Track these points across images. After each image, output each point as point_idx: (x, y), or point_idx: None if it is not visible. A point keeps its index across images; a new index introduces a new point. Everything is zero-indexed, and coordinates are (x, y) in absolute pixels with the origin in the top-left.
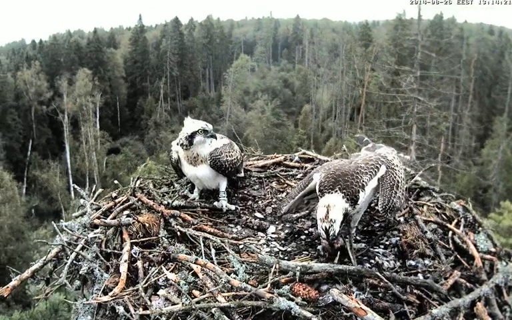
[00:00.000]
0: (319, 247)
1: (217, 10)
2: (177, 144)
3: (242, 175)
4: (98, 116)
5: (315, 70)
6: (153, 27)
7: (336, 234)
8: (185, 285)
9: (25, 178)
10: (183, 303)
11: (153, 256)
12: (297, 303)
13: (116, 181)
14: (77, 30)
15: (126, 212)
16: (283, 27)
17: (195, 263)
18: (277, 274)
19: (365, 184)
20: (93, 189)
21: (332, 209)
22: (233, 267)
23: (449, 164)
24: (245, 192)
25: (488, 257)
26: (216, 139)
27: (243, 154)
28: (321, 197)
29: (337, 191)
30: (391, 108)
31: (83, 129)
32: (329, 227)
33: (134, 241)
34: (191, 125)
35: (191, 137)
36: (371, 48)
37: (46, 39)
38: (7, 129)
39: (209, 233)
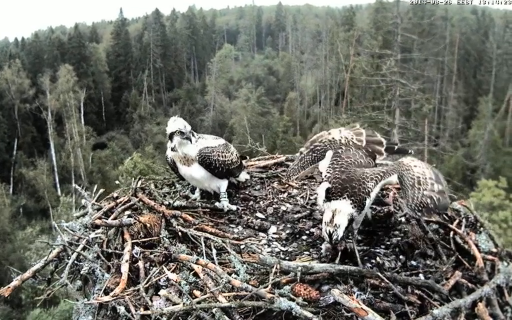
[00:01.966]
0: (322, 247)
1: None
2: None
3: (243, 179)
4: (82, 111)
5: (298, 56)
6: (135, 20)
7: (339, 238)
8: (186, 285)
9: (11, 177)
10: (183, 303)
11: (154, 256)
12: (297, 303)
13: (117, 181)
14: (59, 26)
15: (127, 212)
16: (266, 15)
17: (196, 263)
18: (278, 274)
19: (370, 190)
20: (94, 189)
21: (338, 213)
22: (234, 267)
23: (436, 146)
24: (246, 192)
25: (489, 257)
26: (191, 141)
27: (246, 160)
28: (328, 202)
29: (345, 198)
30: (377, 92)
31: (67, 126)
32: (333, 231)
33: (135, 241)
34: (170, 125)
35: (170, 138)
36: (351, 32)
37: (28, 37)
38: None
39: (210, 233)
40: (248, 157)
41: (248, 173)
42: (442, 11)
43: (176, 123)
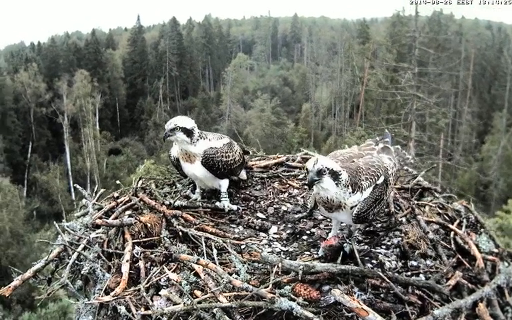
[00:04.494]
0: (320, 249)
1: (215, 9)
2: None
3: (244, 177)
4: (97, 117)
5: (313, 68)
6: (151, 28)
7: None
8: (187, 285)
9: (25, 180)
10: (184, 303)
11: (155, 256)
12: (298, 303)
13: (118, 181)
14: (75, 31)
15: (128, 212)
16: (282, 26)
17: (196, 263)
18: (280, 273)
19: (363, 188)
20: (95, 190)
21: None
22: (235, 267)
23: (450, 161)
24: (247, 192)
25: (490, 257)
26: (165, 139)
27: (248, 155)
28: None
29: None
30: (392, 105)
31: (83, 130)
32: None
33: (136, 241)
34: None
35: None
36: (367, 45)
37: (44, 41)
38: (7, 131)
39: (211, 233)
40: (250, 152)
41: (247, 169)
42: (457, 26)
43: (172, 119)
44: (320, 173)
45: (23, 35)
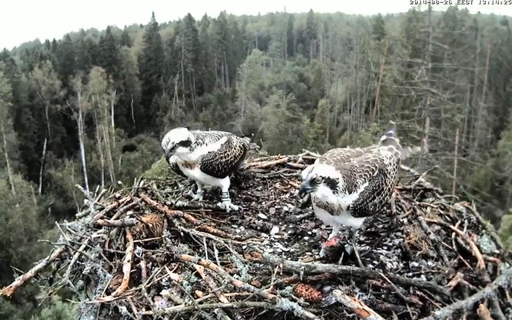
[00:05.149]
0: (321, 249)
1: (230, 6)
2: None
3: (246, 164)
4: (113, 113)
5: (329, 64)
6: (167, 24)
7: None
8: (188, 285)
9: (40, 177)
10: (185, 303)
11: (156, 256)
12: (299, 304)
13: (119, 182)
14: (90, 28)
15: (129, 212)
16: (298, 22)
17: (197, 263)
18: (281, 274)
19: (358, 186)
20: (97, 190)
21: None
22: (236, 268)
23: (465, 157)
24: (249, 193)
25: (491, 258)
26: (169, 159)
27: (250, 137)
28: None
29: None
30: (406, 101)
31: (98, 127)
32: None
33: (137, 241)
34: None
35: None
36: (383, 41)
37: (59, 38)
38: (22, 128)
39: (212, 233)
40: (253, 135)
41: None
42: (472, 22)
43: (169, 134)
44: (313, 182)
45: (38, 33)
